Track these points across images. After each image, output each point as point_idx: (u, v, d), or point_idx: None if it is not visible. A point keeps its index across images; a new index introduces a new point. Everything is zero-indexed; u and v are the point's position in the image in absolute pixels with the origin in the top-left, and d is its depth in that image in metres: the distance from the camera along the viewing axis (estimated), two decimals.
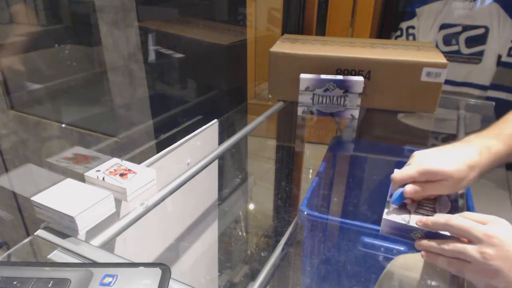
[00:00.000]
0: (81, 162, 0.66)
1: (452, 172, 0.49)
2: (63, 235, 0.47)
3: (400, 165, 0.57)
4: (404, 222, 0.52)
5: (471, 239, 0.42)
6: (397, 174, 0.54)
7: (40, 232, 0.47)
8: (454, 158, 0.50)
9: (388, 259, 0.70)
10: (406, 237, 0.52)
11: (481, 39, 1.57)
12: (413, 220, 0.52)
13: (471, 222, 0.42)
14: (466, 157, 0.50)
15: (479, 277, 0.41)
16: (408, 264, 0.64)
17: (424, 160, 0.52)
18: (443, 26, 1.62)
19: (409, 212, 0.54)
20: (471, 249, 0.41)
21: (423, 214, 0.53)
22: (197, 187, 0.86)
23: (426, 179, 0.51)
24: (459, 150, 0.52)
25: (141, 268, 0.38)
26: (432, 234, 0.49)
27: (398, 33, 1.69)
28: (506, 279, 0.38)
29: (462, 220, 0.43)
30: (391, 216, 0.53)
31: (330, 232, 0.86)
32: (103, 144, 1.05)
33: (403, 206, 0.55)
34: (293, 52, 0.93)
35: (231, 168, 1.22)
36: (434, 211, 0.54)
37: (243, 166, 1.30)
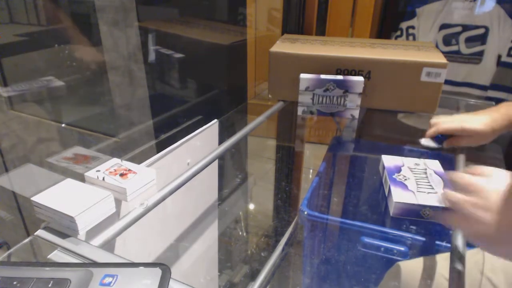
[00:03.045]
0: (81, 162, 0.66)
1: (481, 131, 0.70)
2: (63, 235, 0.47)
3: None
4: (415, 202, 0.60)
5: (467, 191, 0.45)
6: (443, 124, 0.74)
7: (40, 232, 0.47)
8: (483, 122, 0.70)
9: (388, 259, 0.70)
10: (417, 215, 0.58)
11: (481, 39, 1.57)
12: (420, 199, 0.58)
13: (469, 177, 0.46)
14: (492, 122, 0.70)
15: (466, 225, 0.44)
16: (406, 271, 0.64)
17: (464, 120, 0.72)
18: (443, 26, 1.62)
19: (413, 193, 0.60)
20: (463, 200, 0.44)
21: (425, 192, 0.65)
22: (197, 187, 0.86)
23: (462, 133, 0.72)
24: (489, 116, 0.71)
25: (141, 268, 0.37)
26: (439, 209, 0.57)
27: (398, 33, 1.69)
28: (488, 228, 0.40)
29: (462, 175, 0.47)
30: (400, 199, 0.62)
31: (330, 232, 0.86)
32: (103, 144, 1.05)
33: (405, 188, 0.66)
34: (293, 52, 0.93)
35: (231, 168, 1.22)
36: (432, 187, 0.66)
37: (243, 166, 1.30)
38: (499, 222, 0.39)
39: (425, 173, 0.73)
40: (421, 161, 0.78)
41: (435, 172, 0.74)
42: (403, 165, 0.76)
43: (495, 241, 0.40)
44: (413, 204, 0.60)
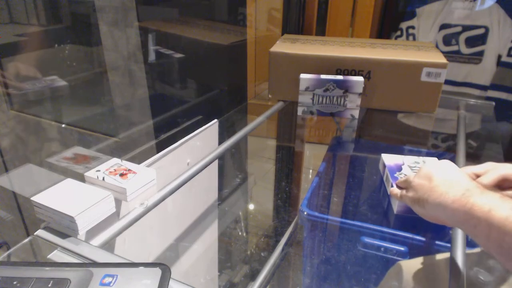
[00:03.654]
0: (81, 162, 0.66)
1: None
2: (63, 235, 0.47)
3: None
4: None
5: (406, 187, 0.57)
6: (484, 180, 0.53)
7: (40, 232, 0.47)
8: None
9: (388, 259, 0.70)
10: None
11: (481, 39, 1.57)
12: None
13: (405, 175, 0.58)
14: None
15: (411, 202, 0.54)
16: (407, 270, 0.64)
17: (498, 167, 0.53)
18: (443, 26, 1.62)
19: None
20: (400, 194, 0.59)
21: None
22: (197, 187, 0.86)
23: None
24: None
25: (141, 268, 0.37)
26: None
27: (398, 33, 1.69)
28: (426, 205, 0.49)
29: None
30: None
31: (330, 232, 0.86)
32: (103, 144, 1.05)
33: None
34: (293, 52, 0.93)
35: (231, 168, 1.22)
36: None
37: (243, 166, 1.30)
38: (426, 208, 0.49)
39: None
40: (420, 159, 0.78)
41: None
42: (403, 164, 0.76)
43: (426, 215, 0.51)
44: None
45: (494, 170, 0.52)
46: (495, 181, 0.50)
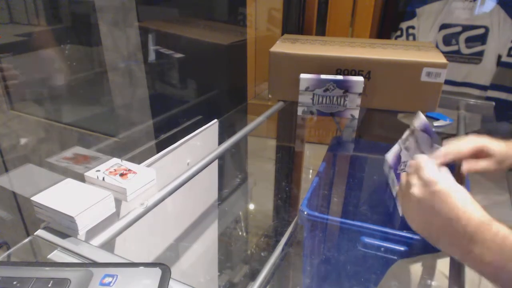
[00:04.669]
0: (81, 162, 0.66)
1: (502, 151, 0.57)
2: (63, 235, 0.47)
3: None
4: None
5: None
6: (449, 148, 0.56)
7: (40, 232, 0.47)
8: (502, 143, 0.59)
9: (388, 259, 0.70)
10: None
11: (481, 39, 1.57)
12: None
13: (403, 176, 0.54)
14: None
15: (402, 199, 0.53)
16: (407, 269, 0.64)
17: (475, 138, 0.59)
18: (443, 26, 1.62)
19: None
20: (401, 194, 0.53)
21: None
22: (197, 187, 0.86)
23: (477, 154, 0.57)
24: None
25: (141, 268, 0.37)
26: None
27: (398, 33, 1.69)
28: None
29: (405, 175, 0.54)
30: None
31: (330, 232, 0.86)
32: (103, 144, 1.05)
33: None
34: (293, 52, 0.93)
35: (231, 168, 1.22)
36: None
37: (243, 166, 1.30)
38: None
39: None
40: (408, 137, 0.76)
41: None
42: (401, 150, 0.75)
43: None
44: None
45: (472, 141, 0.56)
46: (473, 149, 0.56)
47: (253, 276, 0.75)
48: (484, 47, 1.57)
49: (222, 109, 1.24)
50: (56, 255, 0.44)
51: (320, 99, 0.91)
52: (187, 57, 1.23)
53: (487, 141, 0.57)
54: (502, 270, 0.38)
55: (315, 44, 1.01)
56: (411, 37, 1.67)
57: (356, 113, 0.91)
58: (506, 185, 1.22)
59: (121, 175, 0.55)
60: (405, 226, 0.67)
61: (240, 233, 1.29)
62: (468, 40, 1.59)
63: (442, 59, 0.87)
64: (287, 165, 1.32)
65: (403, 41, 1.66)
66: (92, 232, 0.48)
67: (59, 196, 0.49)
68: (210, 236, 0.98)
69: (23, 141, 0.95)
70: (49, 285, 0.35)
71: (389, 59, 0.89)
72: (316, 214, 0.76)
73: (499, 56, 1.56)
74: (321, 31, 1.49)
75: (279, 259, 0.77)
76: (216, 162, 0.88)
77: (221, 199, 1.02)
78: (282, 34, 1.15)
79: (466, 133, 0.90)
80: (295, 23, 1.38)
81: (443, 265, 0.63)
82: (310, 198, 0.79)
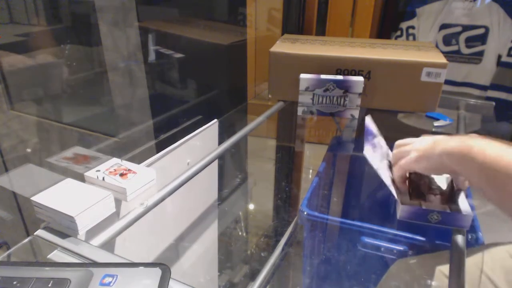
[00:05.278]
0: (81, 162, 0.66)
1: None
2: (63, 235, 0.47)
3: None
4: (423, 207, 0.57)
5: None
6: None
7: (40, 232, 0.47)
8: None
9: (388, 259, 0.70)
10: (424, 219, 0.56)
11: (481, 39, 1.57)
12: (428, 203, 0.56)
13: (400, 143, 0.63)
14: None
15: (416, 161, 0.57)
16: (407, 268, 0.64)
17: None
18: (443, 26, 1.62)
19: (423, 197, 0.58)
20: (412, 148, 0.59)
21: (435, 195, 0.61)
22: (197, 187, 0.86)
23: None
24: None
25: (141, 268, 0.37)
26: (447, 214, 0.55)
27: (398, 33, 1.69)
28: (432, 156, 0.54)
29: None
30: (408, 202, 0.59)
31: (330, 232, 0.86)
32: (103, 144, 1.05)
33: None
34: (293, 52, 0.93)
35: (231, 168, 1.22)
36: (439, 188, 0.61)
37: (243, 166, 1.31)
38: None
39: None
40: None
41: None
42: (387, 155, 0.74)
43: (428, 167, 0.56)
44: (420, 208, 0.59)
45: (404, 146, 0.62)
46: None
47: (253, 276, 0.75)
48: (484, 47, 1.58)
49: (222, 109, 1.24)
50: (56, 255, 0.44)
51: (320, 99, 0.91)
52: (187, 57, 1.23)
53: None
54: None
55: (315, 44, 1.01)
56: (411, 37, 1.67)
57: (356, 113, 0.91)
58: None
59: (121, 175, 0.55)
60: (405, 226, 0.67)
61: (240, 233, 1.29)
62: (468, 40, 1.59)
63: (442, 59, 0.87)
64: (287, 165, 1.32)
65: (403, 41, 1.66)
66: (92, 232, 0.48)
67: (59, 196, 0.49)
68: (210, 236, 0.98)
69: (23, 141, 0.95)
70: (49, 285, 0.35)
71: (389, 59, 0.89)
72: (316, 214, 0.76)
73: (499, 56, 1.56)
74: (321, 31, 1.49)
75: (279, 259, 0.77)
76: (216, 162, 0.88)
77: (221, 199, 1.02)
78: (282, 34, 1.15)
79: (466, 133, 0.90)
80: (295, 23, 1.38)
81: (443, 264, 0.63)
82: (310, 198, 0.79)
